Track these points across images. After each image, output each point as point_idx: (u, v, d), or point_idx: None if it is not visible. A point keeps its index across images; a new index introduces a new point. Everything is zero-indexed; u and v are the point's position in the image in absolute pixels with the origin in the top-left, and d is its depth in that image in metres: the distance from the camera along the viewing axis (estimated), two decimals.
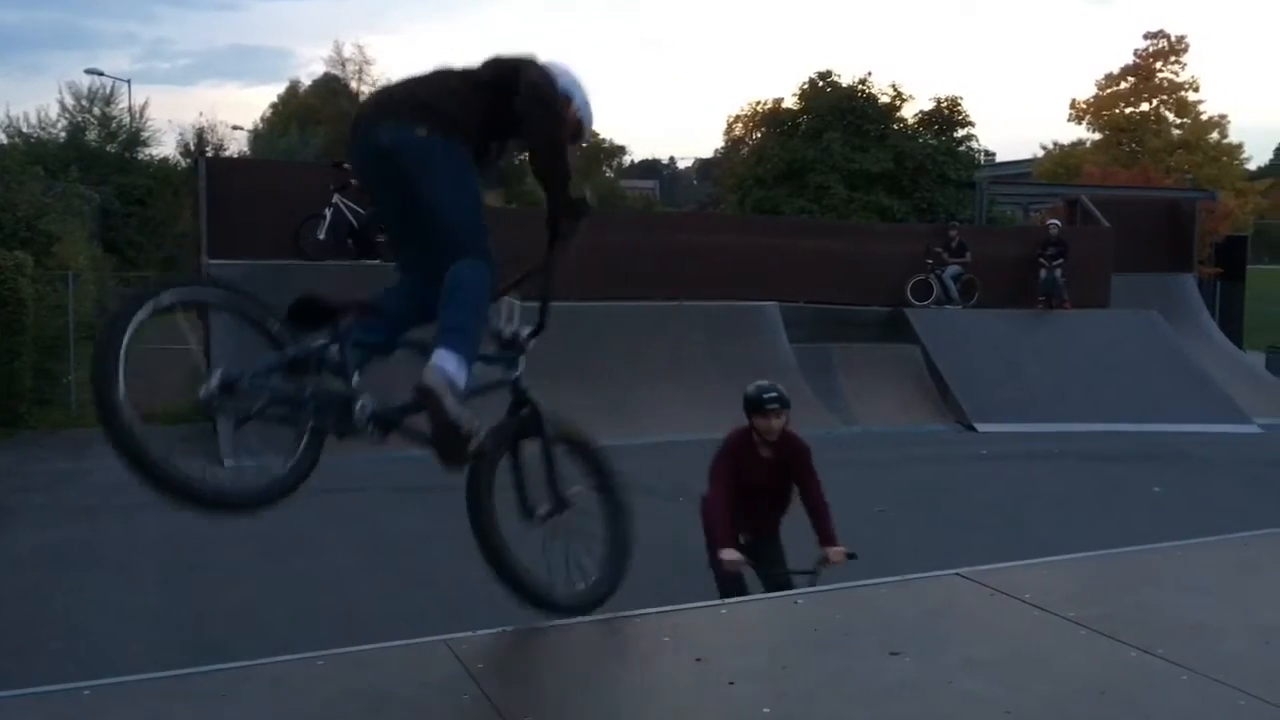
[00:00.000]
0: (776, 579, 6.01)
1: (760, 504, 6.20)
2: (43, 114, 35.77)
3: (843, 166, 34.98)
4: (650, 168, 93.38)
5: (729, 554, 5.82)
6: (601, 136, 73.99)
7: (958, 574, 4.24)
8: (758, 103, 43.98)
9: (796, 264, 18.16)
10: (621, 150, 79.37)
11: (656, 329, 16.29)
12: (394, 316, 3.71)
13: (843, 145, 35.25)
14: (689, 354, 16.23)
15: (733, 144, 52.33)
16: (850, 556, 5.86)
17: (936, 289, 19.09)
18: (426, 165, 3.49)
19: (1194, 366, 18.69)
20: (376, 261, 14.89)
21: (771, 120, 40.38)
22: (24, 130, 33.39)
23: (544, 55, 3.71)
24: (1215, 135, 39.57)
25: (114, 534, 9.68)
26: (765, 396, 6.10)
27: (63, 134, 33.72)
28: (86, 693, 3.11)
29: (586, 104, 3.82)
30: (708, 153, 75.34)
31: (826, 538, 5.98)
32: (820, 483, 6.23)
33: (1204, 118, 39.74)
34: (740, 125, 51.30)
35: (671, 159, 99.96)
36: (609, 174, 73.24)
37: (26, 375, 14.27)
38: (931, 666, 3.37)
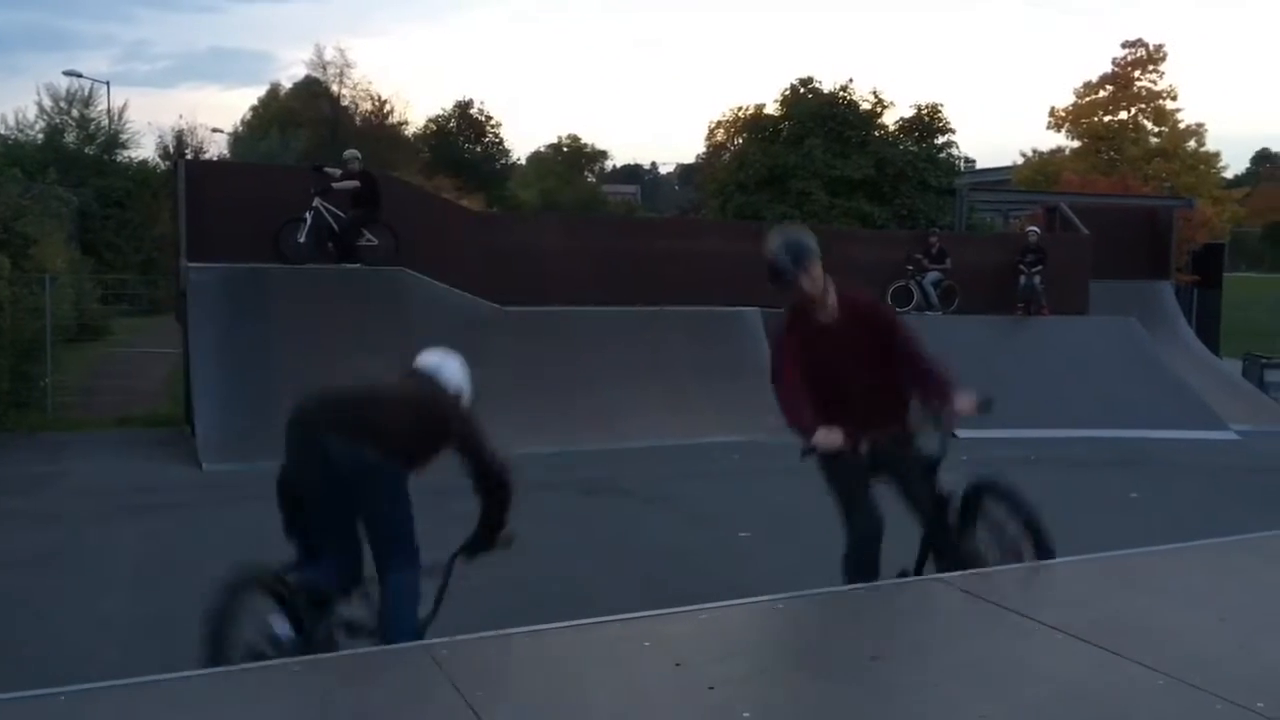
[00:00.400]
0: (901, 449, 4.90)
1: (846, 382, 4.94)
2: (20, 115, 35.56)
3: (824, 173, 35.10)
4: (632, 173, 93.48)
5: (824, 435, 4.64)
6: (584, 142, 74.16)
7: (937, 579, 4.26)
8: (739, 108, 44.12)
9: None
10: (603, 155, 79.55)
11: (637, 334, 16.28)
12: (329, 586, 4.56)
13: (824, 151, 35.38)
14: (669, 359, 16.23)
15: (714, 150, 52.45)
16: (985, 407, 4.68)
17: (917, 295, 19.16)
18: (373, 484, 4.43)
19: (1171, 373, 18.80)
20: (357, 265, 14.84)
21: (753, 126, 40.49)
22: (1, 132, 33.22)
23: (440, 358, 5.14)
24: (1193, 143, 39.93)
25: (91, 537, 9.61)
26: (777, 265, 5.06)
27: (41, 136, 33.49)
28: (62, 698, 3.09)
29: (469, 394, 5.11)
30: (689, 158, 75.47)
31: (946, 394, 4.69)
32: (918, 340, 4.95)
33: (1181, 126, 40.10)
34: (722, 131, 51.41)
35: (653, 164, 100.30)
36: (591, 179, 73.30)
37: (3, 378, 14.11)
38: (910, 671, 3.39)
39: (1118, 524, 10.48)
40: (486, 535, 4.85)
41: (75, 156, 31.88)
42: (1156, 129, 40.12)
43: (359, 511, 4.46)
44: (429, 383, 4.96)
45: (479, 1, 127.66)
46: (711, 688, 3.19)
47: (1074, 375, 17.81)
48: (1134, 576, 4.53)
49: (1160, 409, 17.37)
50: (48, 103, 34.08)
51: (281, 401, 14.45)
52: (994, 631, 3.72)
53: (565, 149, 72.76)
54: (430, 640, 3.56)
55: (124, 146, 34.57)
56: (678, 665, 3.40)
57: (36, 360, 15.54)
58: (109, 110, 35.31)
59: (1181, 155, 38.96)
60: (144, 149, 37.99)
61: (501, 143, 60.89)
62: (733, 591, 5.97)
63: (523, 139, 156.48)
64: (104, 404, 15.87)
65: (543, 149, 74.02)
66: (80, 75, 35.42)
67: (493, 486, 4.83)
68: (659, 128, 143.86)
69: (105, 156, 33.03)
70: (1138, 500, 12.09)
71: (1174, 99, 40.32)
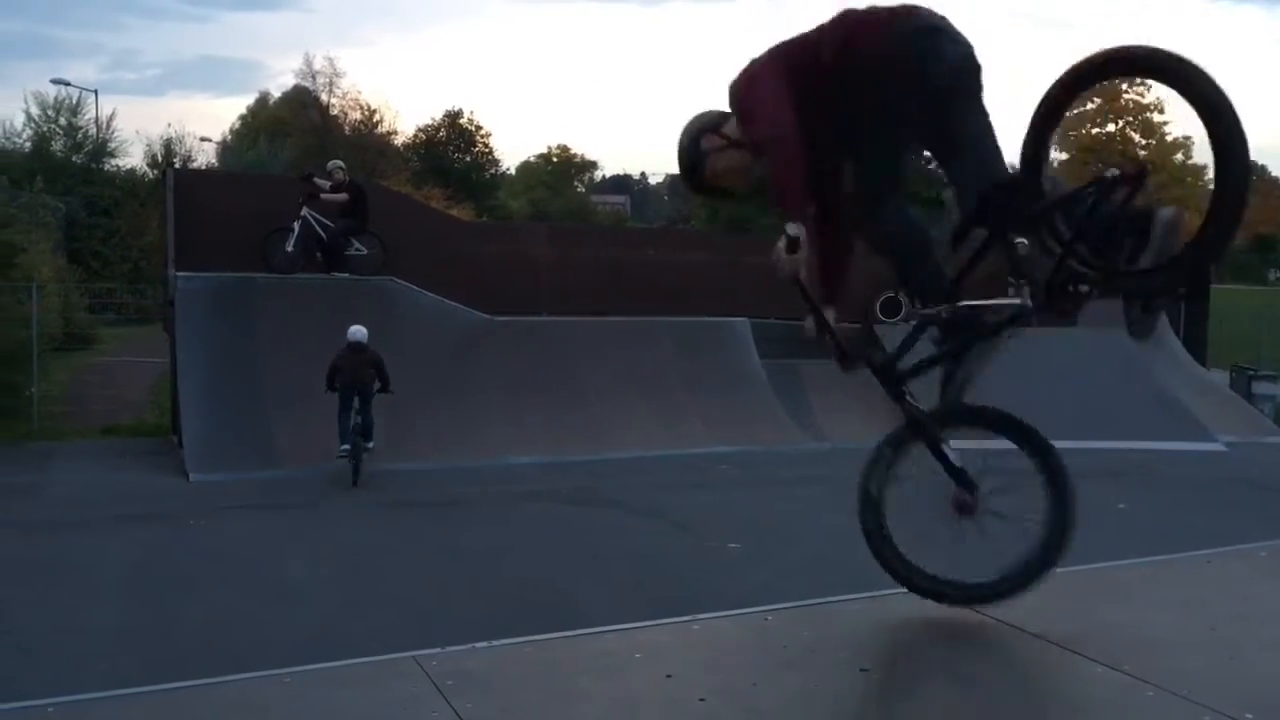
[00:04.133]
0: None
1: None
2: (7, 124, 35.46)
3: None
4: (621, 183, 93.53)
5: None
6: (574, 152, 74.23)
7: None
8: None
9: (766, 280, 18.18)
10: (593, 165, 79.57)
11: (626, 344, 16.28)
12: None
13: None
14: (659, 369, 16.22)
15: None
16: None
17: (905, 306, 19.20)
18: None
19: (1160, 384, 18.88)
20: (345, 275, 14.82)
21: None
22: None
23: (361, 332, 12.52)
24: (1180, 156, 40.21)
25: (76, 548, 9.57)
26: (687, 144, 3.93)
27: (28, 144, 33.40)
28: (50, 709, 3.07)
29: None
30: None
31: None
32: None
33: (1169, 139, 40.40)
34: None
35: (643, 174, 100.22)
36: (580, 189, 73.34)
37: None
38: (901, 682, 3.39)
39: (1106, 535, 10.49)
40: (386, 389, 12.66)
41: (63, 165, 31.79)
42: (1144, 141, 40.42)
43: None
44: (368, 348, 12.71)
45: (467, 11, 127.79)
46: (702, 699, 3.18)
47: (1062, 387, 17.86)
48: (1122, 587, 4.54)
49: (1148, 420, 17.43)
50: (35, 111, 34.04)
51: (269, 412, 14.51)
52: (983, 642, 3.72)
53: (555, 159, 72.81)
54: (419, 651, 3.55)
55: (112, 155, 34.53)
56: (669, 676, 3.39)
57: (23, 370, 15.48)
58: (97, 119, 35.28)
59: (1169, 167, 39.26)
60: (132, 157, 37.85)
61: (491, 152, 60.91)
62: (723, 602, 5.97)
63: (512, 149, 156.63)
64: (91, 414, 15.81)
65: (532, 159, 74.10)
66: (68, 84, 35.35)
67: (387, 379, 12.61)
68: (649, 138, 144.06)
69: (93, 165, 32.95)
70: (1126, 511, 12.12)
71: (1161, 112, 40.67)
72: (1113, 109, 40.44)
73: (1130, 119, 40.39)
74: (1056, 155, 42.36)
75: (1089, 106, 40.71)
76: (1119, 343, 19.55)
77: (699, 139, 3.87)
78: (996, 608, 3.87)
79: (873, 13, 3.60)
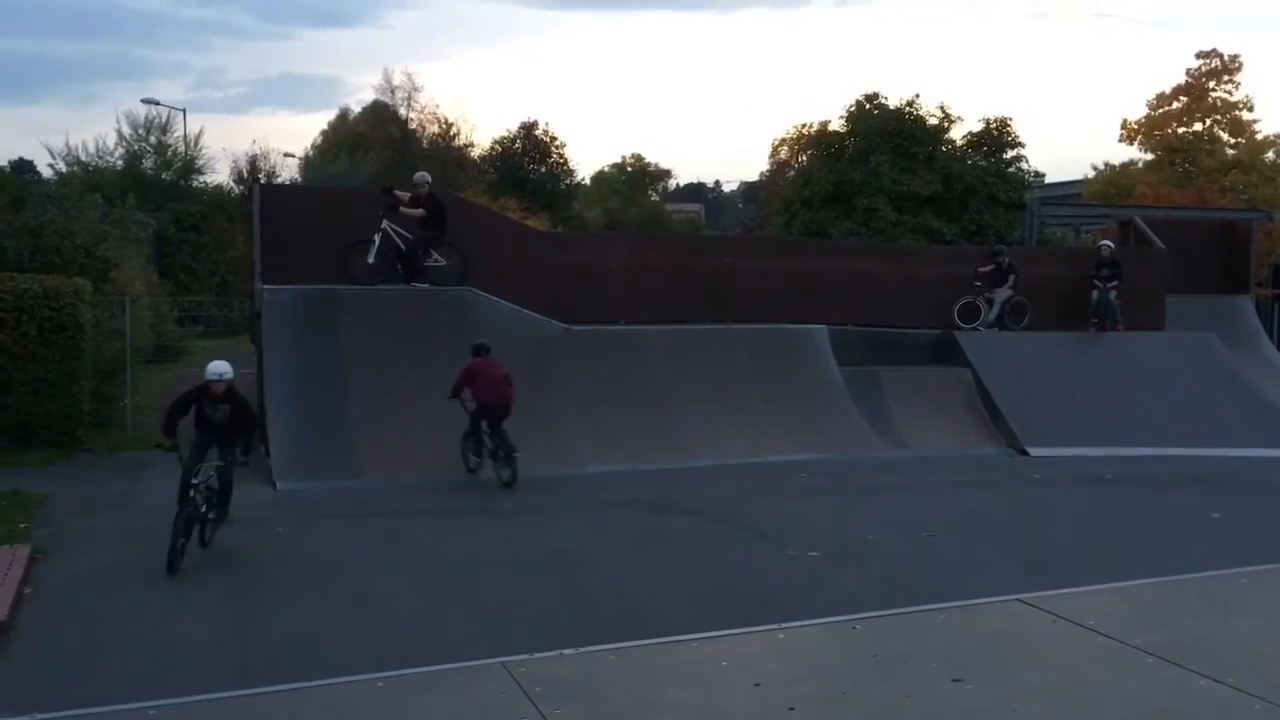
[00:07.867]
0: None
1: None
2: (100, 143, 36.46)
3: (891, 188, 34.81)
4: (695, 191, 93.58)
5: None
6: (648, 161, 74.40)
7: (1019, 599, 4.18)
8: (804, 125, 43.92)
9: (844, 286, 18.05)
10: (667, 174, 79.61)
11: (703, 352, 16.23)
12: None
13: (890, 167, 35.08)
14: (736, 377, 16.14)
15: (778, 167, 52.30)
16: None
17: (984, 311, 18.89)
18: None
19: (1252, 389, 18.32)
20: (426, 286, 14.99)
21: (818, 142, 40.32)
22: (82, 159, 34.08)
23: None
24: (1271, 155, 38.97)
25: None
26: None
27: (120, 162, 34.32)
28: (152, 713, 3.15)
29: None
30: (753, 176, 75.32)
31: None
32: None
33: (1259, 137, 39.16)
34: (786, 148, 51.28)
35: (717, 182, 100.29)
36: (655, 197, 73.45)
37: (85, 399, 14.44)
38: (995, 693, 3.33)
39: (1201, 545, 10.21)
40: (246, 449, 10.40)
41: (153, 182, 32.62)
42: (1233, 140, 39.23)
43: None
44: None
45: (542, 24, 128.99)
46: (792, 708, 3.16)
47: (1151, 392, 17.43)
48: (1221, 598, 4.41)
49: (1242, 427, 16.93)
50: (126, 130, 34.90)
51: (352, 422, 14.65)
52: (1081, 654, 3.64)
53: (629, 168, 73.02)
54: (507, 657, 3.57)
55: (199, 172, 35.31)
56: (757, 685, 3.37)
57: (116, 381, 15.88)
58: (185, 137, 36.13)
59: (1260, 166, 38.02)
60: (218, 174, 38.82)
61: (566, 163, 61.24)
62: (807, 611, 5.91)
63: (587, 159, 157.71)
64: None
65: (607, 168, 74.41)
66: (158, 103, 36.21)
67: (252, 426, 10.44)
68: (722, 146, 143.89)
69: (181, 182, 33.76)
70: (1220, 520, 11.78)
71: (1251, 109, 39.41)
72: (1200, 107, 39.28)
73: (1218, 117, 39.22)
74: (1142, 156, 41.33)
75: (1174, 106, 39.65)
76: (1209, 346, 19.02)
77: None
78: (1091, 617, 3.78)
79: None
